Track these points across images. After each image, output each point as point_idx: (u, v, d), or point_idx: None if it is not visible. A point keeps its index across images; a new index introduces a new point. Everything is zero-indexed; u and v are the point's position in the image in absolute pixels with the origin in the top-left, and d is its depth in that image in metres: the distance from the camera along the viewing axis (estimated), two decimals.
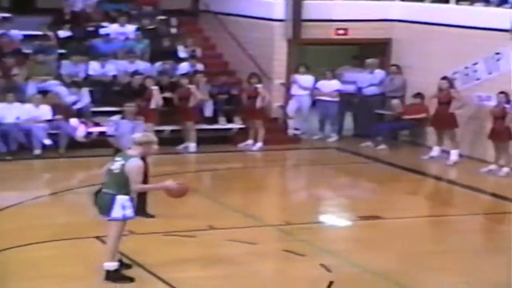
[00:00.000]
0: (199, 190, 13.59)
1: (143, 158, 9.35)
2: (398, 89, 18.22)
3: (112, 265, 9.19)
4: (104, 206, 9.11)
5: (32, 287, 9.09)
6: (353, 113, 19.08)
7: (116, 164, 9.12)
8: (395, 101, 17.86)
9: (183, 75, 17.80)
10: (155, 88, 16.93)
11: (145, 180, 9.89)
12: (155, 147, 9.78)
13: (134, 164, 9.06)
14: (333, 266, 9.91)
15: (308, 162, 17.05)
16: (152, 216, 11.58)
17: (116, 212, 9.04)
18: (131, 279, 9.27)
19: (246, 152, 17.27)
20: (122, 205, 9.03)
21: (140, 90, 17.03)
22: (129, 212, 9.07)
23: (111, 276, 9.19)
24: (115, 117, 11.27)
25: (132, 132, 11.21)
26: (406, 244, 11.16)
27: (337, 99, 18.26)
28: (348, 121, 19.09)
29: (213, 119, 17.72)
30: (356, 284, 9.47)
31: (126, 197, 9.06)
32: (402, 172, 15.73)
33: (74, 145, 16.22)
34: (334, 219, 12.62)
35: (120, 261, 9.41)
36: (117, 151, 10.37)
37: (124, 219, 9.10)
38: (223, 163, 16.25)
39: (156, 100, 16.73)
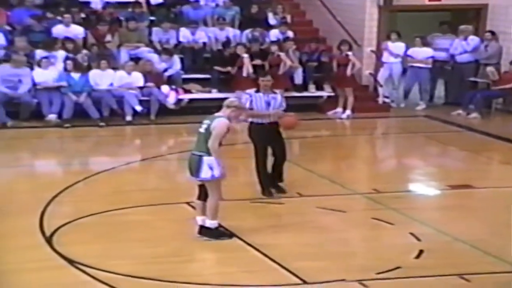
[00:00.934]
0: (288, 158, 13.60)
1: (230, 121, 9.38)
2: (492, 56, 17.81)
3: (213, 223, 9.36)
4: (193, 167, 9.23)
5: (124, 249, 9.26)
6: (445, 81, 18.77)
7: (203, 126, 9.24)
8: (490, 69, 17.48)
9: (273, 42, 17.78)
10: (245, 56, 16.97)
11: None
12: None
13: (218, 122, 9.14)
14: (423, 235, 9.80)
15: (398, 130, 16.88)
16: None
17: (205, 173, 9.14)
18: (230, 235, 9.43)
19: (335, 120, 17.20)
20: (209, 166, 9.10)
21: (231, 57, 17.12)
22: (217, 172, 9.14)
23: (211, 232, 9.35)
24: (250, 91, 11.33)
25: (268, 105, 11.04)
26: (497, 214, 10.91)
27: (430, 65, 18.00)
28: (439, 89, 18.78)
29: (303, 87, 17.68)
30: (446, 253, 9.35)
31: (213, 158, 9.14)
32: (495, 141, 15.40)
33: (164, 111, 16.44)
34: (424, 187, 12.46)
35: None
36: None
37: (213, 179, 9.17)
38: (312, 130, 16.19)
39: (247, 67, 16.78)
